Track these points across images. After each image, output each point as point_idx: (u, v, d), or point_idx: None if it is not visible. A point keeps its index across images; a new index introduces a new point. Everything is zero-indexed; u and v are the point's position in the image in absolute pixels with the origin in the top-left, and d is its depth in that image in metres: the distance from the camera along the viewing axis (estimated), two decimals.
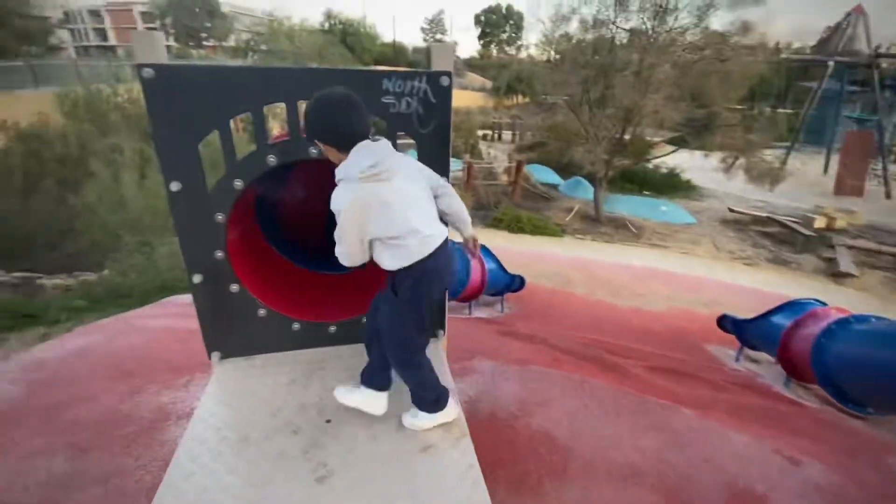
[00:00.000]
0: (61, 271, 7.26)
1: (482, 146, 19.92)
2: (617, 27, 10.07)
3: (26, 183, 8.86)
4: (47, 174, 9.09)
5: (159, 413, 2.08)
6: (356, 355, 1.94)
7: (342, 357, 1.93)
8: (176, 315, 3.44)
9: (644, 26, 9.50)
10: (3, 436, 1.93)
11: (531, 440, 1.98)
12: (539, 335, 3.62)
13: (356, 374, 1.82)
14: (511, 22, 53.43)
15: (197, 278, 1.72)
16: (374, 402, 1.56)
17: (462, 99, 39.30)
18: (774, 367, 5.16)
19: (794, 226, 11.63)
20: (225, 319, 1.83)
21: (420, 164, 1.47)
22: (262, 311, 1.85)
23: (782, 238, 11.51)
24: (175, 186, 1.58)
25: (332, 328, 1.96)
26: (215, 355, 1.88)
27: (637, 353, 4.76)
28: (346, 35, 38.60)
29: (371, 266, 1.91)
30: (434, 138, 1.69)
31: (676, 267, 9.61)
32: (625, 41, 10.21)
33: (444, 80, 1.61)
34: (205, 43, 42.28)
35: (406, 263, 1.34)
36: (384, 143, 1.33)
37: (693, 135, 11.09)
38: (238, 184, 1.63)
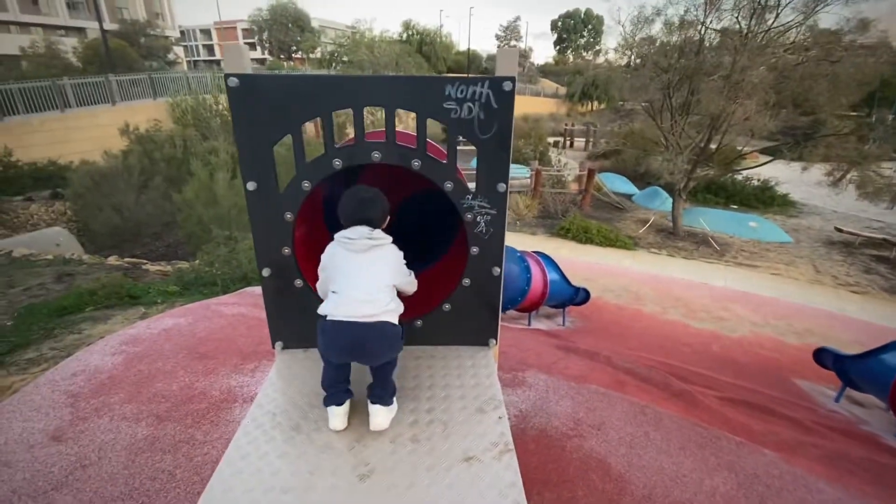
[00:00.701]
0: (162, 259, 8.21)
1: (552, 153, 19.46)
2: (706, 28, 9.33)
3: (141, 180, 10.16)
4: (157, 173, 10.35)
5: (228, 394, 2.25)
6: (405, 358, 1.97)
7: None
8: (250, 304, 3.72)
9: (738, 26, 8.70)
10: (101, 400, 2.17)
11: (583, 464, 1.88)
12: (601, 353, 3.43)
13: (406, 372, 1.85)
14: (589, 27, 51.90)
15: (266, 272, 1.84)
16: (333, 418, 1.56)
17: (534, 105, 38.81)
18: (885, 415, 4.48)
19: None
20: (288, 312, 1.94)
21: (396, 261, 1.66)
22: None
23: None
24: (251, 186, 1.70)
25: None
26: (278, 345, 1.99)
27: (712, 381, 4.35)
28: (423, 45, 39.79)
29: (433, 274, 2.01)
30: (494, 143, 1.67)
31: (765, 290, 8.67)
32: (715, 42, 9.43)
33: (507, 86, 1.59)
34: (294, 55, 45.77)
35: (321, 312, 1.57)
36: (377, 233, 1.62)
37: (791, 145, 9.96)
38: (306, 185, 1.72)
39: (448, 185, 1.74)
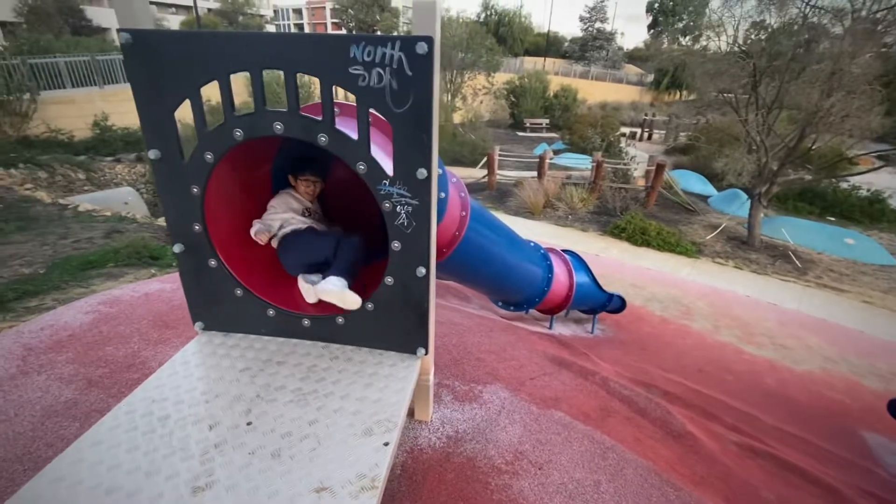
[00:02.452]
0: None
1: (622, 144, 18.07)
2: (809, 5, 7.80)
3: None
4: None
5: None
6: (322, 356, 1.78)
7: (309, 355, 1.78)
8: None
9: (849, 4, 7.18)
10: (50, 357, 2.21)
11: None
12: (599, 372, 3.03)
13: (314, 373, 1.67)
14: (690, 9, 47.26)
15: (178, 248, 1.73)
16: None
17: (613, 92, 36.39)
18: None
19: None
20: (205, 292, 1.82)
21: None
22: (239, 291, 1.80)
23: None
24: (154, 154, 1.57)
25: (306, 322, 1.82)
26: (198, 325, 1.89)
27: (746, 420, 3.73)
28: (500, 25, 38.60)
29: (366, 270, 1.94)
30: (411, 119, 1.39)
31: (850, 319, 7.36)
32: (823, 23, 7.87)
33: (422, 48, 1.29)
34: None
35: None
36: None
37: None
38: (209, 157, 1.56)
39: (361, 167, 1.49)
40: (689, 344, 5.98)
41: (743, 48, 8.10)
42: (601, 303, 5.64)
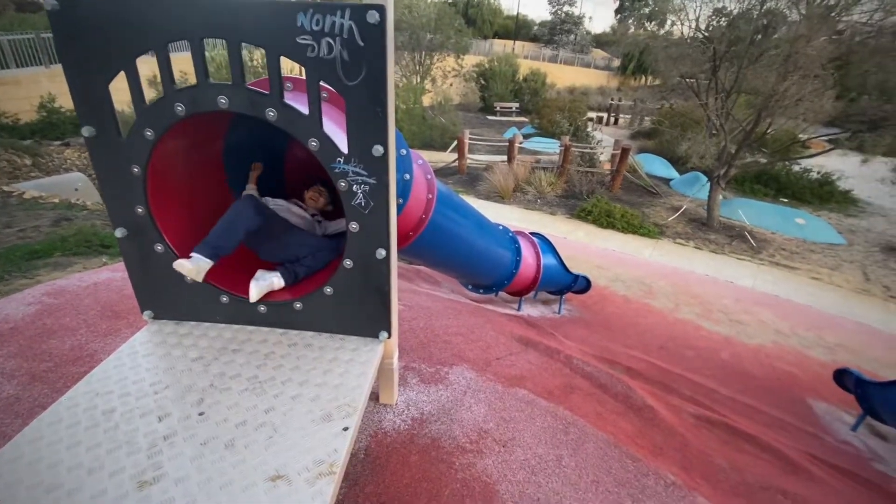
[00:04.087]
0: None
1: (588, 129, 18.30)
2: None
3: None
4: None
5: None
6: (280, 343, 1.72)
7: (266, 342, 1.72)
8: None
9: None
10: None
11: (465, 487, 1.59)
12: (563, 350, 3.08)
13: (271, 360, 1.62)
14: None
15: (119, 232, 1.62)
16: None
17: (581, 77, 36.66)
18: None
19: None
20: (153, 279, 1.72)
21: None
22: (188, 277, 1.71)
23: None
24: (88, 132, 1.45)
25: (262, 308, 1.75)
26: (147, 313, 1.79)
27: (702, 393, 3.91)
28: (469, 7, 38.05)
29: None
30: (364, 93, 1.33)
31: (800, 295, 7.82)
32: (781, 8, 8.05)
33: (373, 17, 1.23)
34: None
35: None
36: None
37: (852, 133, 8.61)
38: (149, 133, 1.45)
39: (313, 144, 1.42)
40: (652, 322, 6.20)
41: (705, 33, 8.27)
42: (567, 284, 5.75)
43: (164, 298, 1.77)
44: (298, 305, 1.73)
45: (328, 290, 1.69)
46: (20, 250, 4.09)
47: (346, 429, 1.35)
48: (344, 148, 1.43)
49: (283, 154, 2.44)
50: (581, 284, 5.90)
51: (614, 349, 4.79)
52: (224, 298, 1.74)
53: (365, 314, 1.72)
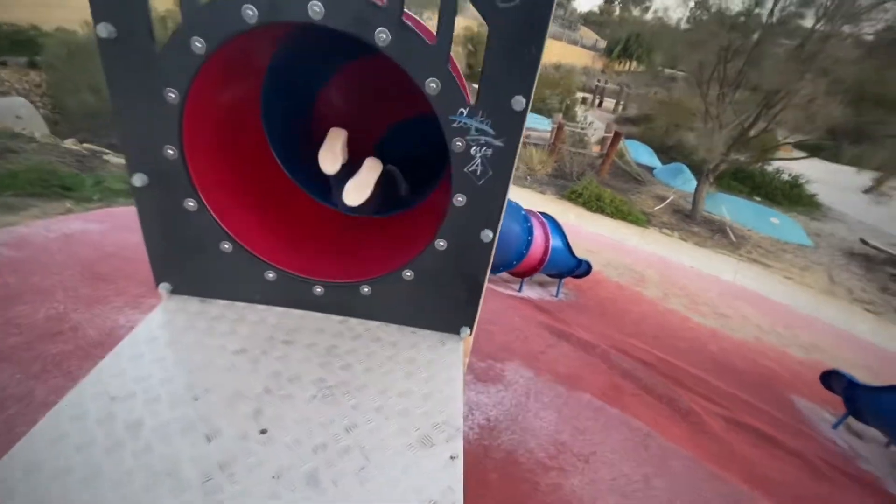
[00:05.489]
0: None
1: (579, 110, 18.10)
2: None
3: None
4: None
5: (108, 336, 1.68)
6: (341, 334, 1.39)
7: (323, 332, 1.38)
8: None
9: None
10: None
11: None
12: (599, 344, 2.89)
13: (335, 356, 1.29)
14: None
15: (138, 180, 1.20)
16: None
17: (568, 55, 36.08)
18: (883, 451, 4.08)
19: None
20: (177, 243, 1.33)
21: None
22: (226, 245, 1.32)
23: None
24: (105, 31, 1.01)
25: (318, 289, 1.40)
26: (163, 287, 1.40)
27: (715, 392, 3.88)
28: None
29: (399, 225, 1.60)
30: (520, 22, 0.98)
31: (776, 293, 8.11)
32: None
33: None
34: None
35: None
36: None
37: (838, 144, 8.81)
38: (198, 45, 1.03)
39: (432, 86, 1.06)
40: (644, 311, 6.21)
41: (728, 23, 8.00)
42: (571, 268, 5.61)
43: (188, 269, 1.37)
44: (366, 290, 1.39)
45: (408, 273, 1.35)
46: None
47: (453, 457, 1.07)
48: (471, 96, 1.07)
49: (309, 104, 1.95)
50: (584, 269, 5.77)
51: (619, 339, 4.72)
52: (270, 274, 1.38)
53: (448, 306, 1.41)
